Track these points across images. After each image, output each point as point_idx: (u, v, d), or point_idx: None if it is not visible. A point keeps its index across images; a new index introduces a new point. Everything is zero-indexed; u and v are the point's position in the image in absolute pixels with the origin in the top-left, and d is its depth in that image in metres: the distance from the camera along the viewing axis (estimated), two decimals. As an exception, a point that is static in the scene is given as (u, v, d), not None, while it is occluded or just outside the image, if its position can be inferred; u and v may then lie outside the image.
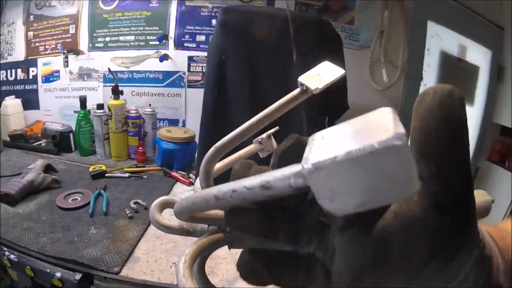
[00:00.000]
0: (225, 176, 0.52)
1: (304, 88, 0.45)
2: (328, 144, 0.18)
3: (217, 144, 0.41)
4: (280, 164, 0.22)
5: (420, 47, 1.96)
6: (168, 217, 0.42)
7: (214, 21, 1.51)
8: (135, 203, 1.07)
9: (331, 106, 1.37)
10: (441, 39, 2.10)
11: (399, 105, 1.99)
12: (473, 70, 2.14)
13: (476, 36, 2.16)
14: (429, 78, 2.12)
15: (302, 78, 0.45)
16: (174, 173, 1.32)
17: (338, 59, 1.39)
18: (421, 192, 0.18)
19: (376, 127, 0.16)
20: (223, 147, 0.41)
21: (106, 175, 1.26)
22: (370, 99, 1.85)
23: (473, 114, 2.10)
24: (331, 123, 1.47)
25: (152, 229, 0.96)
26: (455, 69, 2.15)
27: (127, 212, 1.02)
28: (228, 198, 0.23)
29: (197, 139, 1.36)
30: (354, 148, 0.15)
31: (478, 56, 2.19)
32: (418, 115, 0.18)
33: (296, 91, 0.46)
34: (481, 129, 2.07)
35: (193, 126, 1.50)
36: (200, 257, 0.34)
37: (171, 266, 0.83)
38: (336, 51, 1.33)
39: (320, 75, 0.46)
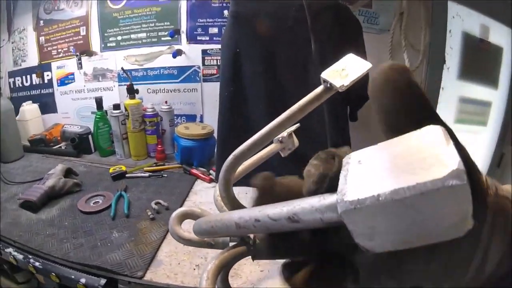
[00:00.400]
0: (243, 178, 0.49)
1: (328, 85, 0.40)
2: (367, 174, 0.15)
3: (236, 152, 0.37)
4: (318, 191, 0.18)
5: (441, 29, 1.87)
6: (188, 229, 0.40)
7: (226, 12, 1.46)
8: (156, 203, 1.06)
9: (354, 96, 1.30)
10: (462, 20, 2.00)
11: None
12: (497, 51, 2.05)
13: (498, 16, 2.04)
14: (452, 62, 2.02)
15: (325, 74, 0.40)
16: (194, 170, 1.31)
17: (359, 45, 1.33)
18: None
19: (425, 156, 0.14)
20: (242, 155, 0.37)
21: (127, 175, 1.26)
22: None
23: (497, 97, 2.01)
24: (353, 114, 1.41)
25: (174, 230, 0.95)
26: (478, 51, 2.06)
27: (149, 213, 1.01)
28: (250, 227, 0.21)
29: (215, 135, 1.33)
30: (401, 187, 0.13)
31: (501, 36, 2.08)
32: (383, 94, 0.20)
33: (320, 88, 0.41)
34: (506, 113, 1.97)
35: (211, 121, 1.49)
36: (224, 269, 0.33)
37: (194, 269, 0.81)
38: (356, 36, 1.27)
39: (345, 70, 0.41)
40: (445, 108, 1.84)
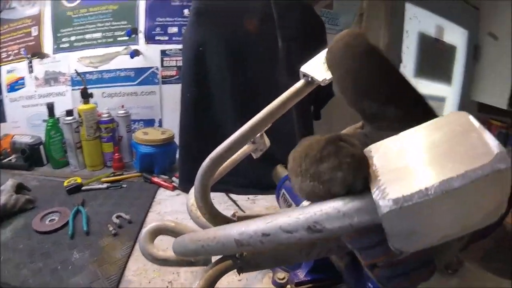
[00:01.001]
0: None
1: (309, 79, 0.38)
2: (400, 167, 0.13)
3: (212, 154, 0.33)
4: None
5: (399, 29, 1.97)
6: (162, 247, 0.35)
7: (186, 11, 1.41)
8: (117, 217, 0.98)
9: (318, 95, 1.32)
10: (419, 21, 2.13)
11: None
12: (451, 50, 2.21)
13: (452, 17, 2.21)
14: (408, 60, 2.15)
15: (305, 68, 0.38)
16: (155, 179, 1.23)
17: (323, 44, 1.35)
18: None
19: (463, 143, 0.13)
20: (220, 157, 0.33)
21: (83, 188, 1.16)
22: None
23: (451, 93, 2.16)
24: (317, 113, 1.42)
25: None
26: (433, 50, 2.21)
27: (110, 228, 0.93)
28: (256, 244, 0.17)
29: (176, 140, 1.28)
30: (451, 176, 0.12)
31: (455, 36, 2.25)
32: (345, 60, 0.20)
33: (300, 83, 0.38)
34: (459, 107, 2.12)
35: (171, 125, 1.42)
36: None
37: (167, 287, 0.75)
38: (320, 36, 1.28)
39: (326, 64, 0.39)
40: None
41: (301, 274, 0.53)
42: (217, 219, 0.31)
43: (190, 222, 0.41)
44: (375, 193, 0.13)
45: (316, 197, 0.15)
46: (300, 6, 1.16)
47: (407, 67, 2.15)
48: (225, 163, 0.42)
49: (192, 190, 0.44)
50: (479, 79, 2.07)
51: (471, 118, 0.14)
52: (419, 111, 0.18)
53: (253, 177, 1.13)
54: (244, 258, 0.29)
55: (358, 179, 0.14)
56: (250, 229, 0.17)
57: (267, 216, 0.17)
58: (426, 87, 2.08)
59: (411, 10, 2.02)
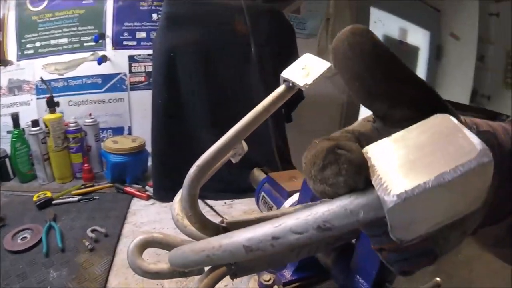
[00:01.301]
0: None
1: (290, 84, 0.39)
2: (397, 166, 0.15)
3: (199, 162, 0.33)
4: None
5: None
6: (151, 259, 0.34)
7: (155, 16, 1.39)
8: (92, 231, 0.95)
9: (290, 98, 1.34)
10: (383, 24, 2.23)
11: (346, 90, 2.05)
12: (414, 51, 2.31)
13: (415, 19, 2.33)
14: None
15: (286, 74, 0.39)
16: (128, 188, 1.20)
17: (293, 49, 1.38)
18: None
19: (450, 142, 0.15)
20: (207, 164, 0.32)
21: (53, 202, 1.10)
22: (319, 86, 1.87)
23: None
24: (288, 116, 1.46)
25: (119, 259, 0.84)
26: (397, 52, 2.30)
27: (86, 243, 0.89)
28: (267, 248, 0.17)
29: (147, 147, 1.26)
30: (444, 171, 0.14)
31: (418, 37, 2.38)
32: (351, 61, 0.19)
33: (281, 88, 0.39)
34: None
35: (140, 132, 1.39)
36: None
37: (152, 298, 0.73)
38: (291, 40, 1.31)
39: (306, 69, 0.40)
40: None
41: (287, 274, 0.54)
42: (208, 227, 0.31)
43: (170, 232, 0.41)
44: (379, 191, 0.15)
45: (327, 197, 0.17)
46: (271, 11, 1.18)
47: None
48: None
49: (176, 199, 0.43)
50: (442, 77, 2.18)
51: (454, 120, 0.16)
52: (431, 109, 0.18)
53: (229, 181, 1.13)
54: (238, 263, 0.29)
55: (359, 180, 0.16)
56: (259, 234, 0.17)
57: (273, 220, 0.17)
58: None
59: (375, 14, 2.11)
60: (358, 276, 0.38)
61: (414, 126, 0.17)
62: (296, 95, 1.26)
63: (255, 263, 0.31)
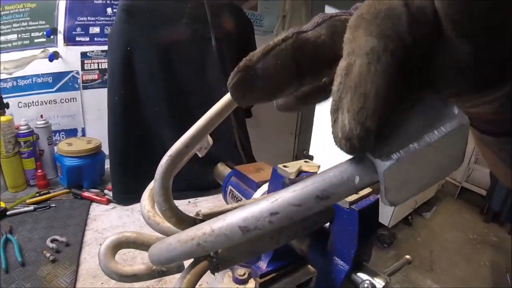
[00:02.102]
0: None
1: None
2: (388, 130, 0.16)
3: (171, 151, 0.31)
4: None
5: None
6: (121, 261, 0.32)
7: (109, 10, 1.32)
8: (52, 241, 0.89)
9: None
10: None
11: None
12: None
13: None
14: None
15: None
16: (86, 193, 1.13)
17: (251, 44, 1.38)
18: (445, 19, 0.14)
19: (431, 107, 0.16)
20: (180, 154, 0.31)
21: (8, 213, 1.01)
22: None
23: None
24: (248, 110, 1.47)
25: (84, 268, 0.80)
26: None
27: (47, 255, 0.83)
28: (265, 226, 0.17)
29: (104, 149, 1.20)
30: (429, 133, 0.15)
31: None
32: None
33: None
34: None
35: (95, 133, 1.33)
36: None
37: (122, 307, 0.69)
38: (249, 36, 1.31)
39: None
40: (327, 100, 2.12)
41: (263, 265, 0.53)
42: (184, 221, 0.30)
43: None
44: (373, 155, 0.15)
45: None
46: (228, 6, 1.17)
47: None
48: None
49: (145, 196, 0.41)
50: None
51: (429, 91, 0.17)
52: None
53: (191, 179, 1.12)
54: (219, 255, 0.29)
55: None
56: (255, 212, 0.17)
57: (268, 196, 0.17)
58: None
59: (330, 12, 2.18)
60: (336, 258, 0.38)
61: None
62: None
63: (237, 254, 0.30)
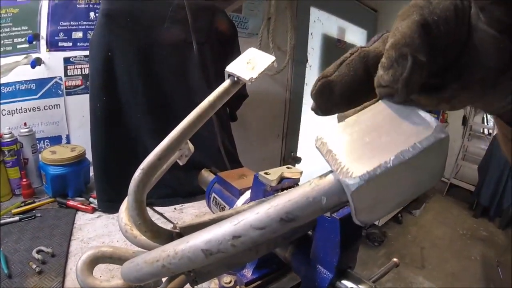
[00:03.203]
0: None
1: (236, 79, 0.38)
2: (356, 148, 0.15)
3: (143, 165, 0.30)
4: None
5: (304, 32, 2.12)
6: (104, 276, 0.31)
7: (92, 14, 1.30)
8: (38, 251, 0.87)
9: (233, 97, 1.35)
10: (322, 24, 2.33)
11: (289, 88, 2.13)
12: (351, 48, 2.53)
13: (353, 19, 2.46)
14: (313, 60, 2.34)
15: (230, 68, 0.38)
16: (71, 202, 1.11)
17: (235, 47, 1.37)
18: (487, 20, 0.17)
19: (406, 121, 0.15)
20: (153, 167, 0.30)
21: (-6, 224, 0.99)
22: (262, 85, 1.93)
23: None
24: (233, 114, 1.46)
25: (70, 279, 0.78)
26: (335, 49, 2.43)
27: (33, 266, 0.82)
28: (228, 249, 0.16)
29: (88, 156, 1.18)
30: (403, 149, 0.14)
31: (355, 36, 2.52)
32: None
33: (227, 83, 0.38)
34: None
35: (80, 141, 1.31)
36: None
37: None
38: (232, 39, 1.30)
39: (250, 63, 0.39)
40: (311, 101, 2.13)
41: (248, 273, 0.53)
42: (161, 235, 0.29)
43: (120, 245, 0.38)
44: (340, 175, 0.14)
45: None
46: (210, 9, 1.16)
47: (312, 66, 2.34)
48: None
49: (123, 208, 0.40)
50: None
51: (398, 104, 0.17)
52: None
53: (176, 186, 1.11)
54: (196, 270, 0.28)
55: None
56: (218, 235, 0.16)
57: (232, 218, 0.16)
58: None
59: (315, 14, 2.19)
60: (319, 266, 0.38)
61: (365, 110, 0.17)
62: (239, 94, 1.27)
63: (214, 267, 0.30)
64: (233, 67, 0.37)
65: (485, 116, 3.59)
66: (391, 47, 0.18)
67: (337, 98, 0.21)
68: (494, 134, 3.34)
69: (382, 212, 0.15)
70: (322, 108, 0.22)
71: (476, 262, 2.68)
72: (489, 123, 3.59)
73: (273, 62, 0.41)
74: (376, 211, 0.15)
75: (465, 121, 3.71)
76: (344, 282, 0.37)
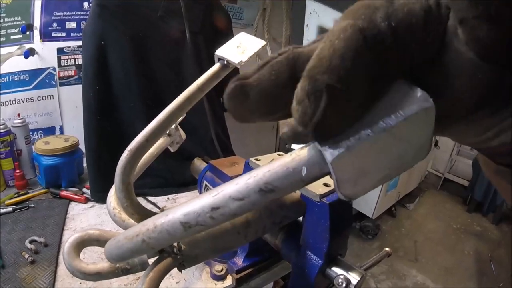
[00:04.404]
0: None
1: (225, 62, 0.38)
2: None
3: (131, 146, 0.30)
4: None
5: (300, 23, 2.11)
6: (88, 259, 0.31)
7: (86, 4, 1.29)
8: (31, 242, 0.87)
9: (226, 86, 1.35)
10: (318, 16, 2.32)
11: None
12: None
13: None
14: None
15: (220, 52, 0.38)
16: (64, 192, 1.11)
17: (229, 38, 1.36)
18: (466, 38, 0.13)
19: (389, 91, 0.14)
20: (140, 147, 0.30)
21: (-12, 215, 0.99)
22: None
23: None
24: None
25: (62, 268, 0.78)
26: None
27: (26, 256, 0.82)
28: (207, 222, 0.16)
29: (81, 146, 1.18)
30: (386, 117, 0.13)
31: None
32: None
33: (216, 66, 0.38)
34: None
35: (73, 131, 1.31)
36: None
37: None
38: (227, 29, 1.30)
39: (240, 47, 0.39)
40: None
41: (239, 261, 0.53)
42: (148, 217, 0.29)
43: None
44: (321, 144, 0.14)
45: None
46: (206, 0, 1.16)
47: None
48: (143, 157, 0.40)
49: (111, 192, 0.40)
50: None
51: None
52: None
53: (169, 176, 1.11)
54: (183, 252, 0.28)
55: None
56: (196, 207, 0.16)
57: (212, 190, 0.16)
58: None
59: (311, 6, 2.18)
60: (309, 252, 0.38)
61: None
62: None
63: (200, 251, 0.30)
64: (222, 51, 0.37)
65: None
66: (306, 73, 0.14)
67: (253, 105, 0.18)
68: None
69: (365, 186, 0.14)
70: (235, 115, 0.19)
71: (469, 256, 2.70)
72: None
73: (263, 46, 0.40)
74: (359, 184, 0.14)
75: (460, 116, 3.72)
76: (334, 269, 0.37)
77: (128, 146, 0.28)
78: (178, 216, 0.17)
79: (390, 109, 0.13)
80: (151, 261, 0.29)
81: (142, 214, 0.29)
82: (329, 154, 0.13)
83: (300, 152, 0.15)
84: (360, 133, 0.13)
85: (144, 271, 0.29)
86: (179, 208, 0.17)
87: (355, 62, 0.13)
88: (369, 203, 2.75)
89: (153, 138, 0.28)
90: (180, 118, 0.45)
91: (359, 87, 0.13)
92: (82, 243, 0.31)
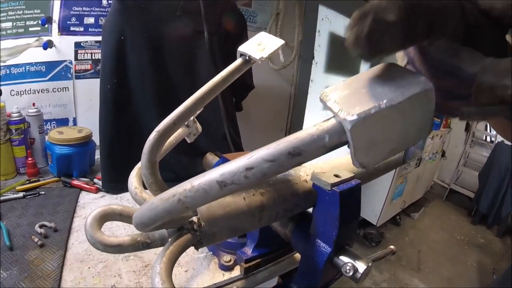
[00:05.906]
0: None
1: (247, 58, 0.40)
2: (353, 96, 0.17)
3: (159, 127, 0.32)
4: None
5: (312, 29, 2.13)
6: (109, 233, 0.33)
7: (105, 1, 1.32)
8: (41, 226, 0.88)
9: (239, 86, 1.37)
10: (330, 22, 2.33)
11: (294, 83, 2.14)
12: None
13: None
14: (320, 58, 2.35)
15: (243, 48, 0.41)
16: (75, 181, 1.13)
17: (244, 39, 1.39)
18: None
19: (397, 76, 0.17)
20: (167, 129, 0.32)
21: (-3, 199, 1.00)
22: (268, 78, 1.95)
23: None
24: (238, 104, 1.49)
25: (71, 253, 0.80)
26: (342, 48, 2.43)
27: (35, 239, 0.83)
28: (241, 181, 0.18)
29: (94, 138, 1.20)
30: (394, 95, 0.16)
31: None
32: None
33: (238, 61, 0.40)
34: None
35: (86, 124, 1.33)
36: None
37: (110, 291, 0.70)
38: (241, 30, 1.32)
39: (261, 45, 0.42)
40: (315, 98, 2.11)
41: (248, 251, 0.54)
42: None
43: (121, 225, 0.39)
44: (341, 115, 0.16)
45: None
46: (224, 2, 1.18)
47: (318, 63, 2.35)
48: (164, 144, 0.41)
49: (133, 174, 0.42)
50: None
51: (398, 64, 0.18)
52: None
53: (180, 171, 1.12)
54: (202, 228, 0.29)
55: None
56: (232, 167, 0.18)
57: (246, 154, 0.18)
58: (335, 81, 2.34)
59: (323, 12, 2.20)
60: (318, 240, 0.39)
61: (364, 72, 0.19)
62: (246, 84, 1.30)
63: (218, 228, 0.31)
64: (245, 47, 0.39)
65: (488, 124, 3.59)
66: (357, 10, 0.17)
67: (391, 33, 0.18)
68: (496, 142, 3.33)
69: (376, 155, 0.17)
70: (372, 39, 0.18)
71: (472, 268, 2.68)
72: (492, 131, 3.59)
73: (282, 45, 0.43)
74: (370, 154, 0.17)
75: (468, 127, 3.70)
76: (342, 257, 0.39)
77: (156, 128, 0.30)
78: (215, 175, 0.18)
79: (398, 89, 0.16)
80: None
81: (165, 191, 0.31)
82: (348, 123, 0.16)
83: (323, 123, 0.18)
84: (373, 105, 0.16)
85: (162, 248, 0.30)
86: (215, 169, 0.19)
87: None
88: (374, 210, 2.75)
89: (179, 121, 0.30)
90: (198, 111, 0.47)
91: (395, 15, 0.16)
92: (105, 217, 0.33)
